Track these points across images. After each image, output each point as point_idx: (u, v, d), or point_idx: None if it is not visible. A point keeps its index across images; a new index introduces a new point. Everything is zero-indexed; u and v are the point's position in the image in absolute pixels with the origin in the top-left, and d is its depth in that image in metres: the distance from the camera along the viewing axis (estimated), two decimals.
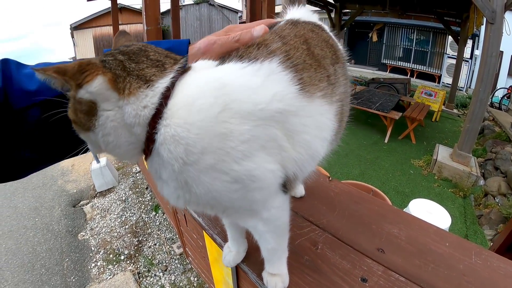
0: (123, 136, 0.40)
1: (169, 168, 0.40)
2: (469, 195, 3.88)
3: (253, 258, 0.70)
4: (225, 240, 0.74)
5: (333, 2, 9.60)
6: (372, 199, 0.89)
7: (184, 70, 0.42)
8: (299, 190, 0.85)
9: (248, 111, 0.39)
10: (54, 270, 2.91)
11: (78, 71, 0.37)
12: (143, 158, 0.43)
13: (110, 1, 4.87)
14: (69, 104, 0.39)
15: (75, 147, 0.43)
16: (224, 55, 0.47)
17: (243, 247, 0.72)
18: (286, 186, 0.49)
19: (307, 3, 8.94)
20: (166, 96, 0.39)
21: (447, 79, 10.49)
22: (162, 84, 0.39)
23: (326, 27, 0.62)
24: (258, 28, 0.49)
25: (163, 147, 0.39)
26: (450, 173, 4.25)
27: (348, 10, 10.03)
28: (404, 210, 2.56)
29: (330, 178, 0.95)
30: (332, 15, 9.77)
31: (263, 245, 0.58)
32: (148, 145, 0.40)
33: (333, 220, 0.78)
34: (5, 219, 3.79)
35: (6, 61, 0.42)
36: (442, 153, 4.61)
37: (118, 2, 6.20)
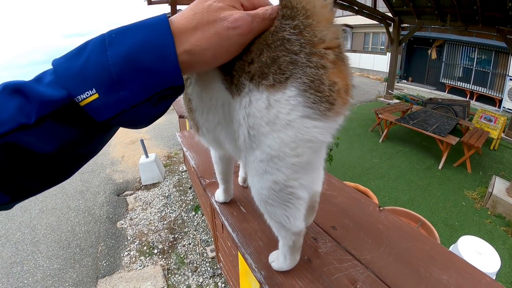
0: None
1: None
2: None
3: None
4: (256, 262, 0.70)
5: (392, 16, 9.24)
6: (423, 238, 0.79)
7: None
8: None
9: None
10: (88, 251, 3.09)
11: None
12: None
13: (170, 6, 5.13)
14: None
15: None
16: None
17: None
18: None
19: (365, 17, 8.72)
20: None
21: (508, 104, 9.49)
22: None
23: None
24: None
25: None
26: (505, 209, 3.79)
27: (407, 25, 9.57)
28: (452, 246, 2.33)
29: (380, 208, 0.86)
30: (391, 29, 9.41)
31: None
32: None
33: (377, 257, 0.70)
34: (51, 197, 4.13)
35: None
36: (499, 186, 4.12)
37: (178, 8, 6.52)
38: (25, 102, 0.31)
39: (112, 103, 0.32)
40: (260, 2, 0.43)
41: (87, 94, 0.31)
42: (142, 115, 0.35)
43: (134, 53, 0.32)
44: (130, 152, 5.67)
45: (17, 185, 0.34)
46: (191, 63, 0.36)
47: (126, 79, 0.32)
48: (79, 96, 0.31)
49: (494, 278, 1.80)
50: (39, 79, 0.33)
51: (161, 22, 0.34)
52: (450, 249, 2.19)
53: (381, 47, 16.62)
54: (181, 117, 3.01)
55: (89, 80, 0.31)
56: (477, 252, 2.09)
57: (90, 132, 0.35)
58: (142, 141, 4.38)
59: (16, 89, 0.31)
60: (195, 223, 3.44)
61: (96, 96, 0.31)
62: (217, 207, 0.90)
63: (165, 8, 5.81)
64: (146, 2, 5.43)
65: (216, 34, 0.36)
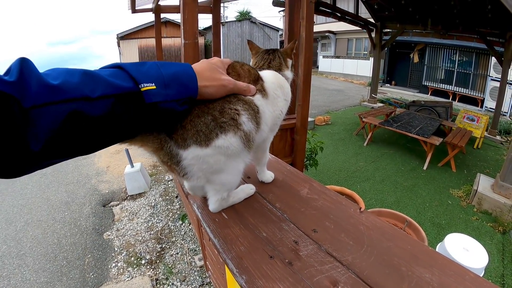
0: None
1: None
2: (509, 230, 3.53)
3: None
4: (238, 267, 0.69)
5: (374, 22, 9.45)
6: (405, 237, 0.80)
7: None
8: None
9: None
10: (75, 264, 3.01)
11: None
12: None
13: (154, 15, 5.11)
14: None
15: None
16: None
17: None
18: None
19: (348, 23, 8.89)
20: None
21: (490, 103, 9.79)
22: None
23: None
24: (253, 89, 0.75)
25: None
26: (491, 206, 3.90)
27: (389, 30, 9.82)
28: (439, 244, 2.37)
29: (361, 209, 0.87)
30: (373, 34, 9.62)
31: None
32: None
33: (359, 258, 0.70)
34: (37, 209, 4.02)
35: (25, 60, 0.41)
36: (483, 183, 4.25)
37: (162, 16, 6.46)
38: (93, 82, 0.45)
39: (161, 94, 0.53)
40: (243, 75, 0.76)
41: (149, 85, 0.51)
42: (173, 109, 0.56)
43: (177, 74, 0.57)
44: (115, 162, 5.58)
45: (69, 143, 0.43)
46: (201, 91, 0.62)
47: (171, 85, 0.55)
48: (143, 84, 0.50)
49: (482, 273, 1.83)
50: (100, 70, 0.50)
51: (188, 65, 0.62)
52: (437, 247, 2.22)
53: (364, 52, 16.97)
54: None
55: (151, 78, 0.52)
56: (464, 249, 2.12)
57: (133, 110, 0.50)
58: (127, 150, 4.32)
59: (86, 72, 0.46)
60: (182, 232, 3.39)
61: (154, 87, 0.52)
62: (199, 214, 0.89)
63: (150, 17, 5.77)
64: (130, 10, 5.40)
65: (218, 86, 0.66)
